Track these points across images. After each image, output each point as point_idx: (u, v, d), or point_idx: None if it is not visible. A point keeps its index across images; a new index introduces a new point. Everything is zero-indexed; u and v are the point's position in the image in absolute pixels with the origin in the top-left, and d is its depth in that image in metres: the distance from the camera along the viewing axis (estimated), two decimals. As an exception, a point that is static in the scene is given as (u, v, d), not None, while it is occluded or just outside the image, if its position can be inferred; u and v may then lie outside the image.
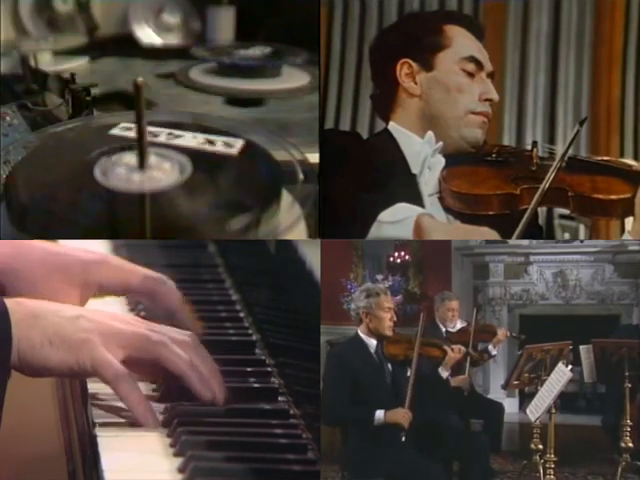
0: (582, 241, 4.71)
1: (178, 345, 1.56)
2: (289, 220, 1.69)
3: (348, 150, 2.15)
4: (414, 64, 2.19)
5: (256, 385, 1.69)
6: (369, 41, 2.55)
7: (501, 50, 3.72)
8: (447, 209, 2.09)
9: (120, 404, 1.56)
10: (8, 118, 2.37)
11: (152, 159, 1.71)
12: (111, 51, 3.00)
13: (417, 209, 1.99)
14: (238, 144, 1.83)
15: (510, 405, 4.64)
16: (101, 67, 2.86)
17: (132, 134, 1.73)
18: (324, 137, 2.27)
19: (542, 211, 3.12)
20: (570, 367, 2.88)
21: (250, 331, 1.88)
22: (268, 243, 1.90)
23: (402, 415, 2.52)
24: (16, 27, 3.03)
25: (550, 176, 1.99)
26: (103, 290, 1.74)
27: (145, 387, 1.60)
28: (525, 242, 4.97)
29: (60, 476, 1.67)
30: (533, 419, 2.91)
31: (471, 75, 2.18)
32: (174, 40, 3.21)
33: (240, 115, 2.42)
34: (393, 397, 2.59)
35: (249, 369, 1.73)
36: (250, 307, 1.95)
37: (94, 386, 1.60)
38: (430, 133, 2.15)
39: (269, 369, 1.75)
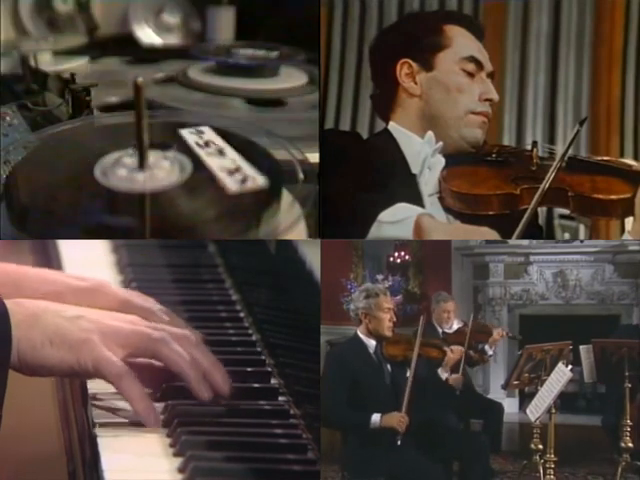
0: (582, 241, 4.71)
1: (178, 342, 1.56)
2: (289, 220, 1.69)
3: (348, 150, 2.15)
4: (414, 64, 2.19)
5: (256, 385, 1.69)
6: (369, 41, 2.55)
7: (501, 50, 3.71)
8: (447, 209, 2.09)
9: (119, 404, 1.57)
10: (8, 118, 2.37)
11: (152, 159, 1.71)
12: (111, 51, 3.00)
13: (417, 209, 1.99)
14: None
15: (510, 405, 4.64)
16: (101, 67, 2.87)
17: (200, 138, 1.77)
18: (324, 137, 2.27)
19: (542, 211, 3.12)
20: (570, 367, 2.88)
21: (250, 331, 1.88)
22: (268, 243, 1.90)
23: (398, 419, 2.51)
24: (16, 27, 3.03)
25: (550, 176, 1.99)
26: None
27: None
28: (525, 242, 4.97)
29: (60, 476, 1.67)
30: (533, 419, 2.91)
31: (471, 75, 2.18)
32: (174, 40, 3.22)
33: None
34: (393, 397, 2.59)
35: (249, 369, 1.73)
36: (250, 307, 1.95)
37: (94, 386, 1.60)
38: (430, 133, 2.15)
39: (269, 369, 1.75)
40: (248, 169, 1.71)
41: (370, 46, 2.34)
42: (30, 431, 1.80)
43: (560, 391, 2.83)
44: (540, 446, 2.99)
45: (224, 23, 3.11)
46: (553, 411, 2.89)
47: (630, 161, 2.21)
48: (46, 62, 2.74)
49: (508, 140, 3.64)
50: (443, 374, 2.88)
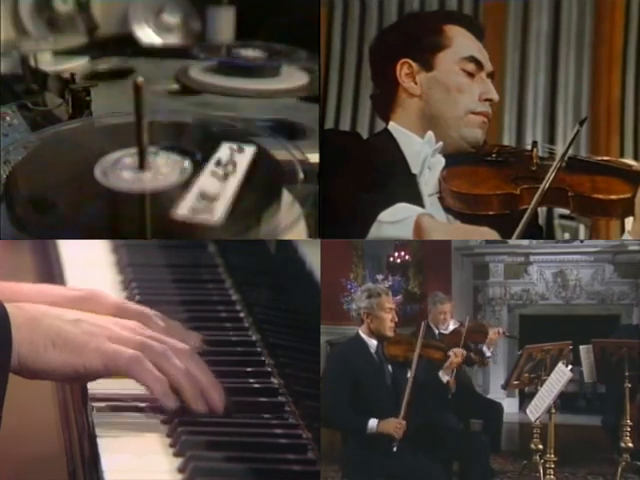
0: (582, 241, 4.71)
1: (178, 355, 1.56)
2: (289, 220, 1.69)
3: (348, 150, 2.15)
4: (414, 64, 2.19)
5: (256, 385, 1.69)
6: (369, 41, 2.55)
7: (501, 50, 3.72)
8: (447, 209, 2.09)
9: (120, 403, 1.57)
10: (8, 118, 2.37)
11: (152, 159, 1.71)
12: (111, 51, 2.99)
13: (417, 209, 1.99)
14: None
15: (510, 405, 4.64)
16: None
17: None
18: (324, 137, 2.27)
19: (542, 211, 3.12)
20: (570, 367, 2.88)
21: (250, 331, 1.88)
22: (268, 243, 1.90)
23: (394, 426, 2.50)
24: (16, 27, 3.03)
25: (550, 176, 1.99)
26: None
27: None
28: (525, 242, 4.97)
29: (60, 476, 1.67)
30: (533, 419, 2.91)
31: (471, 75, 2.18)
32: (174, 40, 3.22)
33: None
34: (393, 398, 2.59)
35: (249, 369, 1.73)
36: (250, 307, 1.95)
37: (94, 386, 1.60)
38: (430, 133, 2.15)
39: (269, 369, 1.75)
40: (221, 204, 1.64)
41: (370, 46, 2.34)
42: (30, 431, 1.80)
43: (560, 391, 2.83)
44: (540, 446, 2.99)
45: (224, 23, 3.11)
46: (553, 411, 2.89)
47: (630, 161, 2.21)
48: (46, 62, 2.74)
49: (508, 140, 3.64)
50: (444, 377, 2.88)
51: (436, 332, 3.45)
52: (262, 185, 1.74)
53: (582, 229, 3.66)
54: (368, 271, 5.28)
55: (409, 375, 2.61)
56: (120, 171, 1.70)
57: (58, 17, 3.06)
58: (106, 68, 2.65)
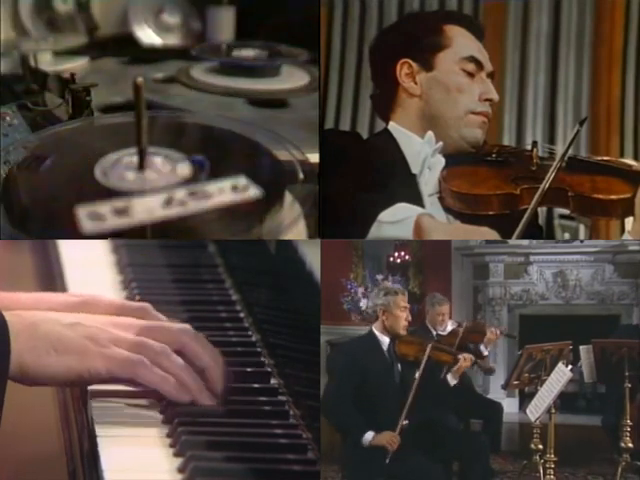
0: (582, 241, 4.71)
1: (179, 335, 1.56)
2: (289, 220, 1.69)
3: (348, 150, 2.15)
4: (414, 64, 2.19)
5: (256, 385, 1.69)
6: (369, 41, 2.55)
7: (501, 50, 3.71)
8: (447, 209, 2.09)
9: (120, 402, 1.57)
10: (8, 118, 2.37)
11: (152, 159, 1.71)
12: (111, 51, 3.00)
13: (417, 209, 1.99)
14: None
15: (510, 405, 4.63)
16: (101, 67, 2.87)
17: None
18: (324, 137, 2.27)
19: (542, 211, 3.12)
20: (570, 367, 2.88)
21: (250, 331, 1.88)
22: (268, 243, 1.90)
23: (389, 439, 2.51)
24: (16, 27, 3.03)
25: (550, 176, 1.99)
26: None
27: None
28: (525, 242, 4.97)
29: (60, 476, 1.67)
30: (533, 419, 2.91)
31: (471, 75, 2.18)
32: (174, 40, 3.22)
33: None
34: (401, 396, 2.61)
35: (249, 369, 1.73)
36: (250, 307, 1.95)
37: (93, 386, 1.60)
38: (430, 133, 2.15)
39: (269, 369, 1.75)
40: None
41: (370, 46, 2.34)
42: (30, 431, 1.80)
43: (560, 391, 2.83)
44: (540, 446, 2.99)
45: (224, 23, 3.11)
46: (553, 411, 2.88)
47: (630, 161, 2.21)
48: (46, 62, 2.75)
49: (508, 140, 3.64)
50: (452, 380, 2.90)
51: (434, 333, 3.45)
52: (265, 185, 1.74)
53: (582, 229, 3.66)
54: (368, 271, 5.28)
55: (416, 375, 2.63)
56: (120, 171, 1.70)
57: (58, 17, 3.06)
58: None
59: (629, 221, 2.05)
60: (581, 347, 3.24)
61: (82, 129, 2.06)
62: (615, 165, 2.13)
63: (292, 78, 2.76)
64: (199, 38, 3.17)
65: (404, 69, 2.20)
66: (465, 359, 2.90)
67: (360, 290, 5.08)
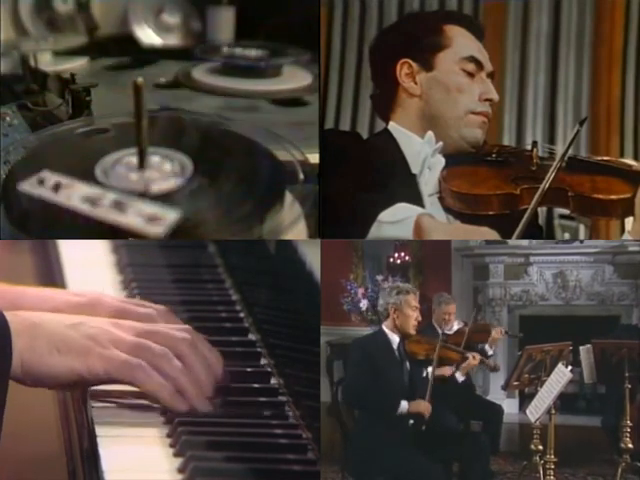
0: (582, 241, 4.71)
1: (179, 343, 1.56)
2: (290, 220, 1.69)
3: (348, 150, 2.15)
4: (414, 64, 2.19)
5: (256, 385, 1.69)
6: (369, 41, 2.55)
7: (501, 50, 3.71)
8: (447, 209, 2.09)
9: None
10: (8, 118, 2.37)
11: (152, 159, 1.71)
12: (111, 51, 2.99)
13: (417, 209, 1.99)
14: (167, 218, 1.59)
15: (510, 406, 4.64)
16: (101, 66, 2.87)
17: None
18: (324, 137, 2.27)
19: (542, 211, 3.12)
20: (570, 368, 2.88)
21: (250, 331, 1.88)
22: (268, 243, 1.90)
23: (424, 406, 2.59)
24: (16, 27, 3.02)
25: (550, 176, 1.99)
26: None
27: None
28: (525, 242, 4.97)
29: (60, 476, 1.67)
30: (533, 420, 2.91)
31: (471, 75, 2.18)
32: (174, 40, 3.21)
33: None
34: (409, 394, 2.64)
35: (249, 369, 1.73)
36: (250, 307, 1.95)
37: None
38: (430, 133, 2.15)
39: (269, 369, 1.75)
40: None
41: (370, 46, 2.34)
42: (30, 431, 1.80)
43: (560, 392, 2.83)
44: (540, 447, 2.98)
45: (224, 23, 3.11)
46: (553, 412, 2.88)
47: (630, 161, 2.21)
48: (46, 62, 2.74)
49: (508, 140, 3.64)
50: (460, 377, 2.94)
51: (440, 332, 3.45)
52: (265, 186, 1.74)
53: (582, 229, 3.66)
54: (368, 272, 5.28)
55: (424, 374, 2.71)
56: (120, 171, 1.70)
57: (58, 17, 3.06)
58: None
59: (629, 221, 2.05)
60: (581, 348, 3.24)
61: (82, 129, 2.06)
62: (615, 165, 2.13)
63: (295, 78, 2.76)
64: (199, 38, 3.16)
65: (404, 69, 2.20)
66: (474, 357, 2.95)
67: (360, 291, 5.08)
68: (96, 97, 2.37)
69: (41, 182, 1.68)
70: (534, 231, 2.18)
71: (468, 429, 3.45)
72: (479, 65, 2.19)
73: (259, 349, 1.82)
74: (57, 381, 1.52)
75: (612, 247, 4.86)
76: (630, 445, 3.11)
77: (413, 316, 2.72)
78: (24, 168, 1.81)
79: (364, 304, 4.99)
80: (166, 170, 1.71)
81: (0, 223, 1.66)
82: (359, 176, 2.06)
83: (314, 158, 2.02)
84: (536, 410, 2.88)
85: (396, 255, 5.18)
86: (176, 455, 1.45)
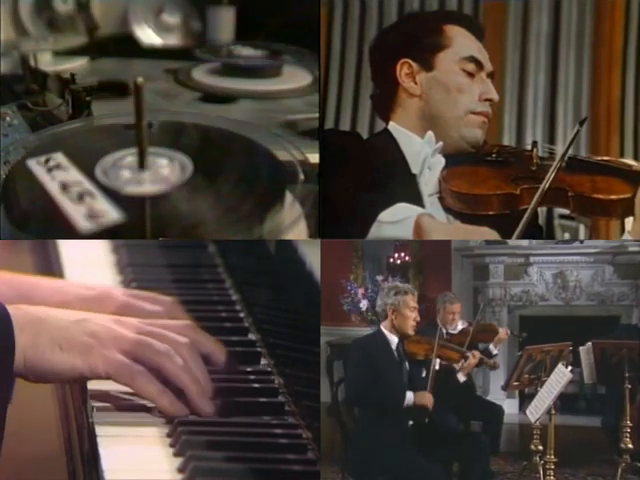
0: (582, 241, 4.71)
1: (179, 351, 1.56)
2: (290, 220, 1.69)
3: (348, 150, 2.15)
4: (414, 64, 2.19)
5: (256, 385, 1.69)
6: (369, 41, 2.55)
7: (501, 50, 3.72)
8: (447, 209, 2.09)
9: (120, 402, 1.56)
10: (8, 118, 2.37)
11: (153, 159, 1.71)
12: (111, 51, 2.99)
13: (417, 209, 1.99)
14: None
15: (510, 406, 4.64)
16: (101, 67, 2.86)
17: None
18: (324, 137, 2.27)
19: (542, 211, 3.12)
20: (570, 368, 2.88)
21: (250, 331, 1.88)
22: (268, 243, 1.90)
23: (428, 398, 2.61)
24: (16, 27, 3.03)
25: (550, 176, 1.99)
26: None
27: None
28: (525, 243, 4.97)
29: (60, 476, 1.67)
30: (533, 420, 2.91)
31: (471, 75, 2.18)
32: (174, 40, 3.21)
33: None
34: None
35: (249, 369, 1.73)
36: (250, 307, 1.95)
37: (94, 385, 1.60)
38: (430, 133, 2.15)
39: (269, 369, 1.75)
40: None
41: (370, 46, 2.34)
42: (30, 431, 1.80)
43: (560, 392, 2.83)
44: (540, 447, 2.99)
45: (224, 23, 3.11)
46: (553, 412, 2.88)
47: (630, 161, 2.21)
48: (46, 62, 2.74)
49: (508, 140, 3.64)
50: (461, 377, 2.93)
51: (444, 332, 3.46)
52: (266, 186, 1.74)
53: (582, 229, 3.66)
54: (368, 272, 5.28)
55: (423, 375, 2.70)
56: (120, 171, 1.70)
57: (58, 17, 3.06)
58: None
59: (629, 221, 2.05)
60: (581, 348, 3.24)
61: (82, 129, 2.06)
62: (615, 165, 2.13)
63: (294, 78, 2.76)
64: (199, 38, 3.17)
65: (404, 69, 2.20)
66: (474, 356, 2.94)
67: (360, 291, 5.08)
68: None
69: (47, 161, 1.75)
70: (534, 231, 2.18)
71: (468, 429, 3.45)
72: (479, 65, 2.19)
73: (259, 349, 1.82)
74: (59, 377, 1.53)
75: (612, 247, 4.86)
76: (630, 445, 3.11)
77: (411, 316, 2.72)
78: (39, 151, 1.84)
79: (364, 304, 4.99)
80: (166, 170, 1.71)
81: (0, 223, 1.66)
82: (359, 176, 2.06)
83: (314, 158, 2.02)
84: (536, 410, 2.88)
85: (396, 255, 5.18)
86: (176, 455, 1.45)
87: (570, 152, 2.08)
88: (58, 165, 1.76)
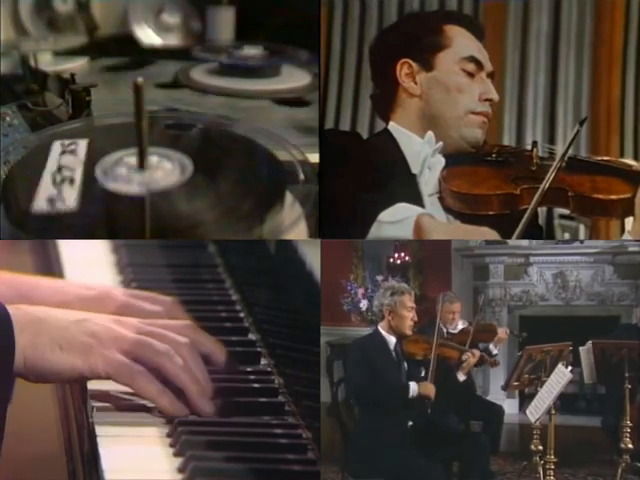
0: (582, 241, 4.71)
1: (179, 351, 1.56)
2: (290, 220, 1.69)
3: (348, 150, 2.15)
4: (414, 64, 2.19)
5: (256, 385, 1.69)
6: (369, 41, 2.55)
7: (501, 50, 3.71)
8: (447, 209, 2.09)
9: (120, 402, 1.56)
10: (8, 118, 2.37)
11: (153, 159, 1.71)
12: (111, 51, 2.99)
13: (417, 209, 1.99)
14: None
15: (510, 406, 4.63)
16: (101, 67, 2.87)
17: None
18: (324, 137, 2.27)
19: (542, 211, 3.12)
20: (570, 368, 2.88)
21: (250, 331, 1.88)
22: (268, 243, 1.90)
23: (431, 388, 2.61)
24: (16, 27, 3.03)
25: (550, 176, 1.99)
26: None
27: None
28: (525, 243, 4.97)
29: (60, 476, 1.67)
30: (533, 420, 2.91)
31: (471, 75, 2.18)
32: (174, 40, 3.21)
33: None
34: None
35: (249, 369, 1.73)
36: (250, 307, 1.95)
37: (94, 385, 1.60)
38: (430, 133, 2.15)
39: (269, 369, 1.75)
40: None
41: (370, 46, 2.34)
42: (30, 431, 1.80)
43: (560, 392, 2.83)
44: (540, 447, 2.98)
45: (224, 23, 3.11)
46: (553, 412, 2.88)
47: (630, 161, 2.21)
48: (46, 62, 2.74)
49: (508, 140, 3.64)
50: (461, 376, 2.93)
51: (444, 331, 3.46)
52: (266, 186, 1.74)
53: (582, 229, 3.66)
54: (368, 272, 5.27)
55: (422, 374, 2.70)
56: (120, 171, 1.70)
57: (58, 17, 3.06)
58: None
59: (629, 221, 2.05)
60: (581, 348, 3.24)
61: (82, 129, 2.05)
62: (615, 165, 2.13)
63: (293, 78, 2.76)
64: (199, 38, 3.16)
65: (404, 69, 2.20)
66: (474, 354, 2.94)
67: (360, 291, 5.07)
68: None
69: (70, 144, 1.83)
70: (534, 231, 2.18)
71: (468, 429, 3.45)
72: (479, 65, 2.19)
73: (259, 349, 1.82)
74: (59, 377, 1.53)
75: (612, 247, 4.86)
76: (630, 445, 3.11)
77: (408, 317, 2.71)
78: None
79: (364, 304, 4.99)
80: (166, 170, 1.71)
81: (0, 223, 1.66)
82: (359, 176, 2.06)
83: (314, 158, 2.02)
84: (536, 410, 2.88)
85: (396, 255, 5.17)
86: (176, 455, 1.45)
87: (570, 152, 2.09)
88: (74, 150, 1.81)
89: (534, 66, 3.74)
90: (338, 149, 2.13)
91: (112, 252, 2.19)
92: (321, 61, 3.13)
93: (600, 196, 2.02)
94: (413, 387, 2.60)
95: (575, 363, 3.15)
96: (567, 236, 3.80)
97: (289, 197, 1.74)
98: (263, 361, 1.78)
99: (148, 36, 3.19)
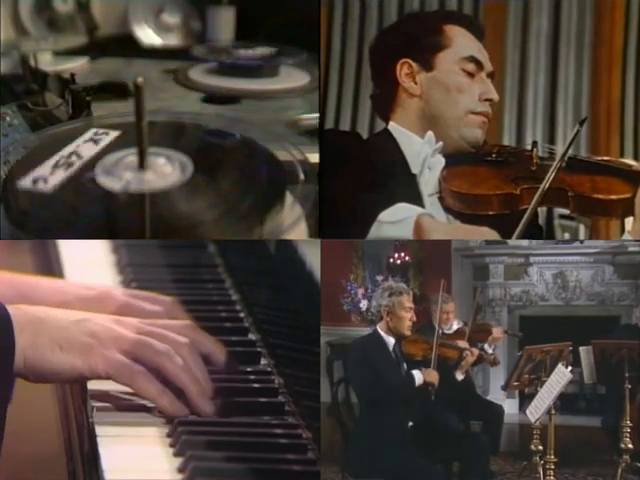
0: (582, 242, 4.71)
1: (179, 351, 1.56)
2: (290, 220, 1.69)
3: (348, 150, 2.15)
4: (414, 64, 2.19)
5: (256, 385, 1.69)
6: (369, 41, 2.55)
7: (501, 50, 3.72)
8: (447, 209, 2.09)
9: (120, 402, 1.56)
10: (8, 118, 2.37)
11: (153, 159, 1.71)
12: (111, 51, 2.99)
13: (417, 209, 1.99)
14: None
15: (510, 406, 4.63)
16: (101, 67, 2.86)
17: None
18: (324, 137, 2.27)
19: (542, 211, 3.12)
20: (570, 368, 2.88)
21: (250, 331, 1.88)
22: (268, 243, 1.90)
23: (435, 375, 2.62)
24: (16, 27, 3.03)
25: (550, 176, 1.99)
26: None
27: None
28: (525, 243, 4.97)
29: (60, 476, 1.67)
30: (533, 420, 2.91)
31: (471, 75, 2.18)
32: (174, 40, 3.21)
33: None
34: (409, 396, 2.63)
35: (249, 369, 1.73)
36: (250, 307, 1.95)
37: (94, 385, 1.60)
38: (430, 133, 2.15)
39: (269, 369, 1.75)
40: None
41: (370, 46, 2.34)
42: (30, 431, 1.80)
43: (560, 392, 2.83)
44: (540, 447, 2.99)
45: (224, 23, 3.11)
46: (553, 412, 2.88)
47: (630, 161, 2.21)
48: (46, 62, 2.74)
49: (508, 140, 3.64)
50: (459, 375, 2.92)
51: (439, 332, 3.45)
52: (266, 186, 1.74)
53: (582, 229, 3.66)
54: (368, 272, 5.28)
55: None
56: (120, 171, 1.70)
57: (58, 17, 3.06)
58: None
59: (629, 221, 2.05)
60: (581, 348, 3.24)
61: (82, 129, 2.05)
62: (615, 165, 2.13)
63: (291, 78, 2.76)
64: (199, 38, 3.16)
65: (404, 69, 2.20)
66: (472, 353, 2.93)
67: (360, 291, 5.08)
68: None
69: (102, 133, 1.88)
70: (534, 231, 2.18)
71: (468, 429, 3.45)
72: (479, 65, 2.19)
73: (259, 349, 1.82)
74: (59, 377, 1.53)
75: (612, 247, 4.86)
76: (630, 445, 3.12)
77: (407, 317, 2.70)
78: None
79: (364, 304, 4.99)
80: (166, 170, 1.71)
81: (0, 223, 1.66)
82: (359, 176, 2.06)
83: (314, 158, 2.02)
84: (536, 410, 2.88)
85: (396, 255, 5.18)
86: (176, 455, 1.45)
87: (570, 152, 2.08)
88: (98, 140, 1.85)
89: (534, 66, 3.74)
90: (338, 149, 2.13)
91: (112, 252, 2.19)
92: (321, 61, 3.13)
93: (600, 196, 2.02)
94: (418, 375, 2.60)
95: (575, 363, 3.15)
96: (567, 236, 3.80)
97: (289, 197, 1.74)
98: (263, 361, 1.78)
99: (148, 36, 3.19)
